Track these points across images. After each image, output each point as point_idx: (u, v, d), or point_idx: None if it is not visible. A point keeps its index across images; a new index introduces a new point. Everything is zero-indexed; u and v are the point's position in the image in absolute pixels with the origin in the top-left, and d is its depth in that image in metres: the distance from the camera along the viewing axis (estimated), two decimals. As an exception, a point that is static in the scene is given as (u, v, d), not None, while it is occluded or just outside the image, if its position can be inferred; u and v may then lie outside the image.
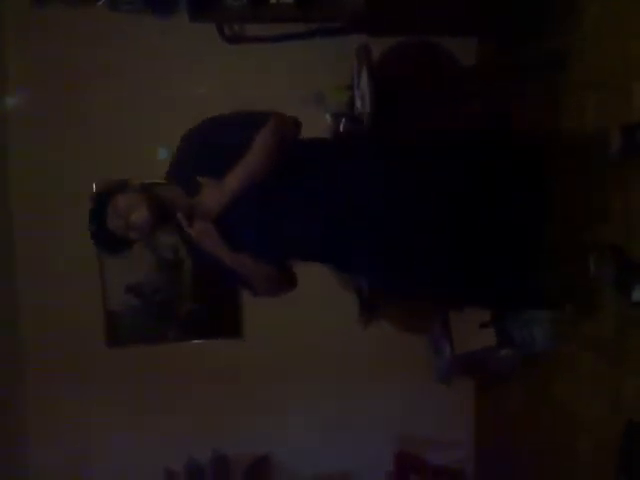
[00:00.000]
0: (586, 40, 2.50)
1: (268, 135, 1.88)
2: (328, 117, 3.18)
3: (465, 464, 3.73)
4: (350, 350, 3.56)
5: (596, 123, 2.42)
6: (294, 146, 1.98)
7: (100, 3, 2.56)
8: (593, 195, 2.41)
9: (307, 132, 3.29)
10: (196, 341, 3.65)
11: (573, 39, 2.58)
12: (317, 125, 3.20)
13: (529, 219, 2.02)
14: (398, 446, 3.68)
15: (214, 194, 1.86)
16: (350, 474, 3.75)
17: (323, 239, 1.96)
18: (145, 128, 3.41)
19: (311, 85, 3.19)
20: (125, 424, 3.54)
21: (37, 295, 3.45)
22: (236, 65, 3.33)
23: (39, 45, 3.31)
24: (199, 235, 1.89)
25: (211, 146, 1.92)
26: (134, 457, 3.55)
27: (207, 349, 3.62)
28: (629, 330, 2.24)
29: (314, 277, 3.27)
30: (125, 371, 3.54)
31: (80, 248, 3.42)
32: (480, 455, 3.77)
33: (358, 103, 2.91)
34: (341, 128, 3.08)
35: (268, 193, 1.91)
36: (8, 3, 3.25)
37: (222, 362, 3.58)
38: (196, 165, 1.91)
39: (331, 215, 1.92)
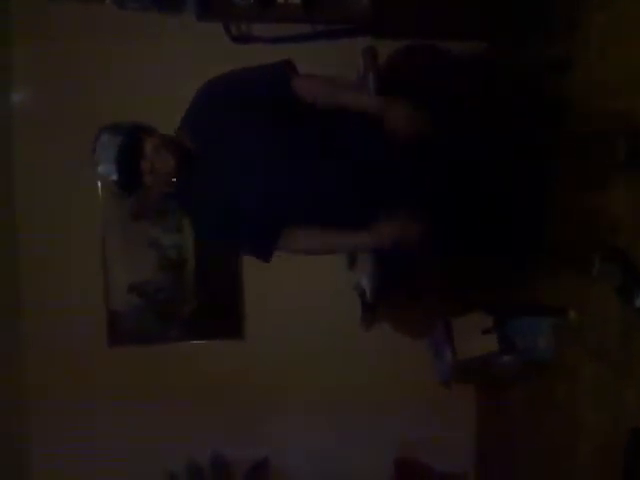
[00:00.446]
0: (590, 46, 2.50)
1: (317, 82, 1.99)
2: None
3: (467, 469, 3.71)
4: (351, 353, 3.55)
5: (602, 128, 2.41)
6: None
7: (107, 1, 2.56)
8: (598, 199, 2.40)
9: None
10: (198, 341, 3.65)
11: (578, 45, 2.58)
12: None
13: (531, 219, 2.01)
14: (399, 451, 3.67)
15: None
16: (351, 479, 3.73)
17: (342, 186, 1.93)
18: (153, 124, 3.42)
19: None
20: (125, 425, 3.53)
21: (39, 294, 3.46)
22: (243, 65, 3.32)
23: (44, 43, 3.33)
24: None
25: (226, 97, 1.93)
26: (134, 458, 3.54)
27: (208, 350, 3.62)
28: (633, 335, 2.23)
29: (316, 279, 3.29)
30: (126, 371, 3.54)
31: (83, 247, 3.47)
32: (482, 460, 3.75)
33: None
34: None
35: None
36: (14, 1, 3.27)
37: (223, 363, 3.58)
38: (211, 116, 1.92)
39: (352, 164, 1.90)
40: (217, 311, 3.68)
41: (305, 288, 3.44)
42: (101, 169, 1.85)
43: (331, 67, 3.22)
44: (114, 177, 1.83)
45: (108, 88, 3.41)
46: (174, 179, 1.88)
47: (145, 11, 2.56)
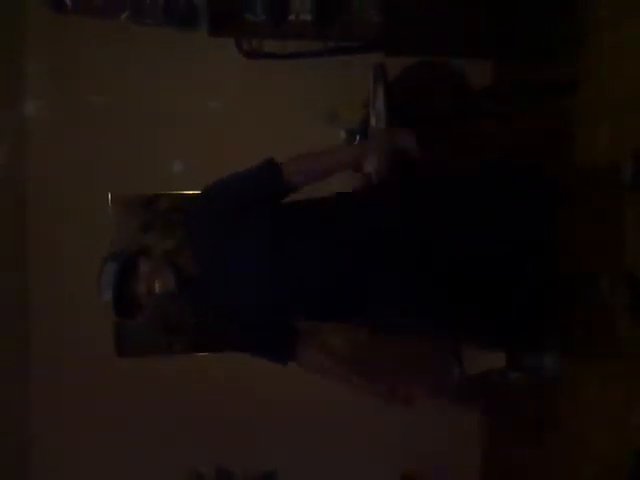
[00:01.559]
0: (601, 63, 2.51)
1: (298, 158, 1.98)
2: (343, 134, 3.21)
3: (471, 487, 3.70)
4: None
5: (610, 146, 2.43)
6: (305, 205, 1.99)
7: (123, 17, 2.60)
8: (605, 221, 2.41)
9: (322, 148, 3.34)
10: (204, 354, 3.65)
11: (588, 62, 2.60)
12: (331, 143, 3.24)
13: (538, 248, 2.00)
14: (403, 467, 3.65)
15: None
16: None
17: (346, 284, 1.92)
18: (162, 140, 3.45)
19: (327, 102, 3.22)
20: (129, 436, 3.53)
21: (47, 305, 3.46)
22: (253, 80, 3.36)
23: (58, 55, 3.36)
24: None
25: (221, 209, 1.92)
26: (136, 470, 3.53)
27: (214, 362, 3.62)
28: (637, 356, 2.23)
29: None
30: (131, 382, 3.53)
31: (92, 258, 3.47)
32: (487, 477, 3.73)
33: (373, 121, 2.93)
34: (355, 145, 3.11)
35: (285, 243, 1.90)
36: (29, 13, 3.31)
37: (228, 376, 3.57)
38: (211, 231, 1.92)
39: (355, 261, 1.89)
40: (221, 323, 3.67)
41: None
42: (103, 296, 1.90)
43: (341, 83, 3.28)
44: (112, 305, 1.88)
45: (121, 101, 3.44)
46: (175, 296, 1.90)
47: (159, 26, 2.60)
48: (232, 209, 1.90)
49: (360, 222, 1.92)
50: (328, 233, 1.90)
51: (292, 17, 2.71)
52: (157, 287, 1.85)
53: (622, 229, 2.31)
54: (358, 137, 3.07)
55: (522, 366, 2.83)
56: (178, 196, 3.52)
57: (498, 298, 1.97)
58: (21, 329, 3.45)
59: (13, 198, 3.45)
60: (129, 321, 2.00)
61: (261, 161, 1.99)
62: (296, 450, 3.63)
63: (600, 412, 2.49)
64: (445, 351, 3.00)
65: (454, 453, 3.66)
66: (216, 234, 1.91)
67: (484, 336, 2.19)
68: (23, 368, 3.46)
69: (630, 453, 2.20)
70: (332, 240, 1.88)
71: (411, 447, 3.68)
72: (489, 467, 3.71)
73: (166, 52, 3.33)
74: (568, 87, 2.66)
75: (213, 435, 3.56)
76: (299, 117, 3.43)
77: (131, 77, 3.43)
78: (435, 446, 3.65)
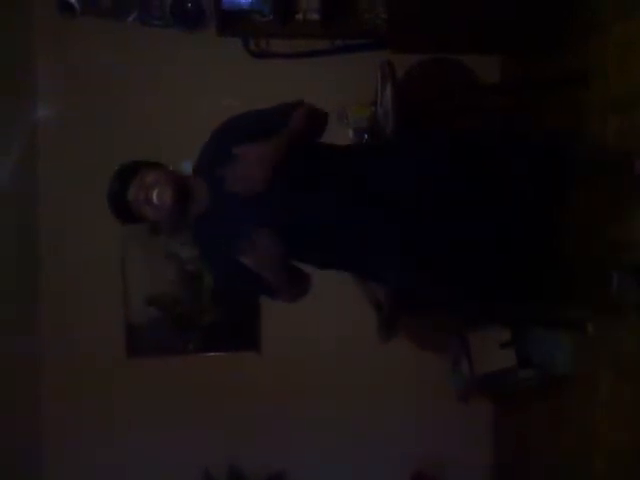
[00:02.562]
0: (609, 58, 2.50)
1: (309, 107, 1.90)
2: (351, 133, 3.20)
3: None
4: (367, 366, 3.54)
5: (618, 143, 2.41)
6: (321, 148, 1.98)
7: (131, 19, 2.62)
8: (615, 215, 2.39)
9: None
10: (215, 354, 3.66)
11: (596, 57, 2.58)
12: (339, 141, 3.24)
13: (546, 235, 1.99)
14: (415, 466, 3.64)
15: (259, 149, 1.78)
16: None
17: (347, 233, 1.89)
18: (171, 140, 3.47)
19: (335, 101, 3.21)
20: (142, 436, 3.54)
21: (59, 306, 3.49)
22: (261, 80, 3.37)
23: (67, 57, 3.39)
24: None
25: (236, 130, 1.92)
26: (150, 469, 3.55)
27: (225, 362, 3.63)
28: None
29: (331, 292, 3.30)
30: (144, 382, 3.55)
31: (103, 259, 3.51)
32: (498, 476, 3.71)
33: (381, 119, 2.92)
34: (363, 144, 3.10)
35: (296, 185, 1.85)
36: (37, 14, 3.34)
37: (240, 376, 3.58)
38: (217, 150, 1.91)
39: (360, 209, 1.86)
40: (234, 324, 3.69)
41: (322, 302, 3.44)
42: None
43: (349, 81, 3.28)
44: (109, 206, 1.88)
45: (131, 104, 3.46)
46: (175, 213, 1.86)
47: (167, 28, 2.61)
48: (249, 129, 1.88)
49: (377, 174, 1.89)
50: (343, 182, 1.87)
51: (299, 16, 2.71)
52: (155, 198, 1.82)
53: (634, 222, 2.29)
54: (366, 135, 3.06)
55: (532, 363, 2.81)
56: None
57: (514, 265, 1.94)
58: (31, 331, 3.48)
59: (23, 205, 3.48)
60: (126, 224, 1.95)
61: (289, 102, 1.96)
62: (307, 450, 3.64)
63: (612, 408, 2.48)
64: (454, 347, 2.99)
65: (466, 452, 3.65)
66: (223, 152, 1.87)
67: (499, 304, 2.14)
68: (35, 367, 3.50)
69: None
70: (347, 188, 1.86)
71: (422, 446, 3.68)
72: (501, 466, 3.70)
73: (174, 53, 3.35)
74: (579, 81, 2.64)
75: (225, 435, 3.57)
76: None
77: (143, 79, 3.45)
78: (446, 445, 3.64)
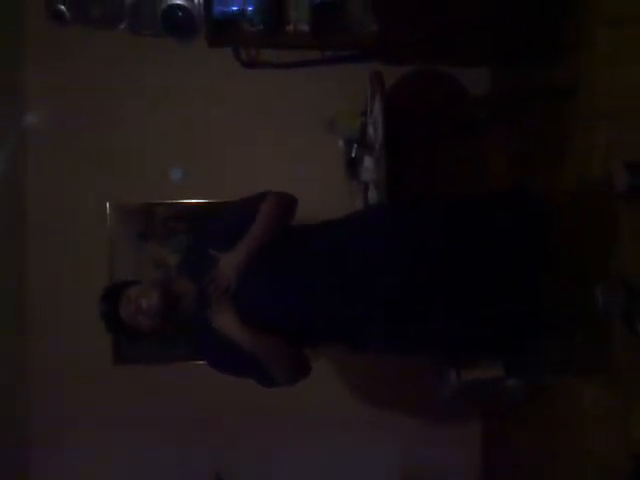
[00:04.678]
0: (596, 69, 2.53)
1: (272, 203, 2.05)
2: (341, 143, 3.22)
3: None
4: (354, 374, 3.55)
5: (603, 153, 2.44)
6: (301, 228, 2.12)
7: (121, 27, 2.61)
8: (599, 229, 2.43)
9: (320, 158, 3.37)
10: (202, 362, 3.64)
11: (582, 66, 2.62)
12: (330, 151, 3.26)
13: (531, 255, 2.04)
14: (403, 473, 3.65)
15: (228, 259, 1.97)
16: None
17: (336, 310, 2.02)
18: (162, 150, 3.48)
19: (325, 111, 3.24)
20: (127, 444, 3.53)
21: (44, 311, 3.47)
22: (252, 89, 3.38)
23: (58, 66, 3.38)
24: (219, 313, 1.99)
25: (215, 231, 2.11)
26: (135, 478, 3.53)
27: (211, 370, 3.61)
28: (637, 359, 2.24)
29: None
30: (129, 390, 3.54)
31: (91, 266, 3.49)
32: (485, 481, 3.74)
33: (370, 130, 2.95)
34: (353, 154, 3.13)
35: (278, 267, 2.02)
36: (27, 23, 3.33)
37: (226, 383, 3.57)
38: (203, 250, 2.04)
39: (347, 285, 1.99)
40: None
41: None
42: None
43: (340, 92, 3.30)
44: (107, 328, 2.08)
45: (119, 112, 3.46)
46: (166, 315, 2.01)
47: (157, 37, 2.62)
48: (226, 226, 2.09)
49: (357, 254, 2.01)
50: (323, 263, 2.00)
51: (289, 27, 2.72)
52: (144, 304, 1.97)
53: (616, 236, 2.33)
54: (356, 146, 3.08)
55: (520, 373, 2.83)
56: (178, 205, 3.54)
57: (496, 310, 2.01)
58: (19, 338, 3.46)
59: (12, 208, 3.46)
60: (137, 338, 2.21)
61: (256, 194, 2.12)
62: (293, 456, 3.64)
63: (600, 415, 2.50)
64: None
65: (453, 456, 3.67)
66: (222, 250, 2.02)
67: (483, 348, 2.22)
68: (21, 375, 3.47)
69: (630, 458, 2.21)
70: (327, 269, 1.99)
71: (410, 450, 3.69)
72: (489, 470, 3.72)
73: (166, 61, 3.36)
74: (566, 92, 2.68)
75: (210, 444, 3.56)
76: (298, 126, 3.46)
77: (130, 86, 3.45)
78: (434, 449, 3.66)
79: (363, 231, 2.05)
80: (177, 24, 2.60)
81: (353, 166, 3.12)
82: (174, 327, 2.10)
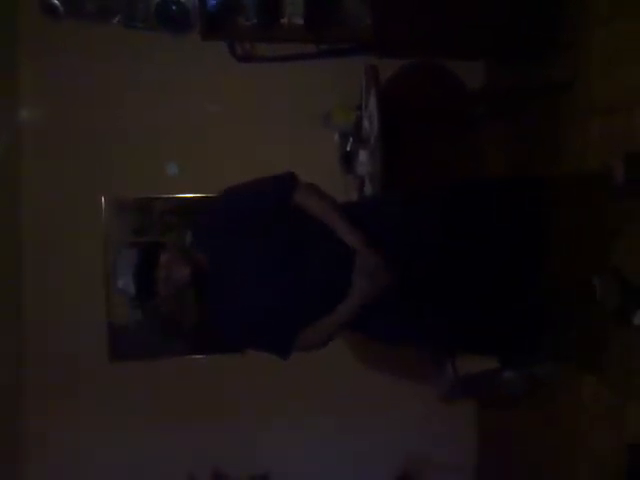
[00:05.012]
0: (593, 64, 2.53)
1: (315, 198, 2.01)
2: (336, 137, 3.22)
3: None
4: (352, 370, 3.55)
5: (599, 149, 2.44)
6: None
7: (115, 21, 2.60)
8: (596, 223, 2.42)
9: (316, 152, 3.36)
10: (198, 356, 3.65)
11: (579, 63, 2.61)
12: (325, 145, 3.25)
13: (527, 250, 2.04)
14: (400, 468, 3.66)
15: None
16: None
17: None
18: (158, 144, 3.46)
19: (320, 105, 3.24)
20: (125, 440, 3.52)
21: (40, 308, 3.46)
22: (248, 84, 3.37)
23: (52, 61, 3.37)
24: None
25: (239, 212, 2.02)
26: (133, 473, 3.53)
27: (209, 364, 3.62)
28: (632, 353, 2.24)
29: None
30: (127, 385, 3.53)
31: (86, 261, 3.48)
32: (482, 477, 3.74)
33: (366, 123, 2.94)
34: (348, 148, 3.12)
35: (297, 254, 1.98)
36: (22, 18, 3.31)
37: (224, 378, 3.58)
38: (227, 232, 2.00)
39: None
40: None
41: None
42: (120, 283, 1.97)
43: (335, 85, 3.29)
44: (132, 291, 1.95)
45: (114, 106, 3.44)
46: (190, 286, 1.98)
47: (151, 31, 2.61)
48: (250, 210, 2.00)
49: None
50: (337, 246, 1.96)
51: (284, 20, 2.72)
52: (175, 275, 1.93)
53: (614, 231, 2.32)
54: (351, 139, 3.08)
55: (516, 366, 2.84)
56: (174, 199, 3.53)
57: (494, 306, 2.02)
58: (15, 333, 3.45)
59: (7, 204, 3.45)
60: (144, 304, 2.16)
61: (283, 173, 2.07)
62: (291, 451, 3.64)
63: (595, 409, 2.51)
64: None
65: (450, 453, 3.67)
66: (232, 233, 2.00)
67: (481, 344, 2.22)
68: (17, 370, 3.47)
69: (626, 448, 2.21)
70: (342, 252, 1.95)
71: (407, 448, 3.70)
72: (486, 466, 3.72)
73: (162, 56, 3.33)
74: (563, 87, 2.67)
75: (209, 439, 3.57)
76: (292, 120, 3.45)
77: (127, 81, 3.43)
78: (431, 446, 3.67)
79: (357, 223, 2.04)
80: (171, 18, 2.60)
81: (348, 160, 3.12)
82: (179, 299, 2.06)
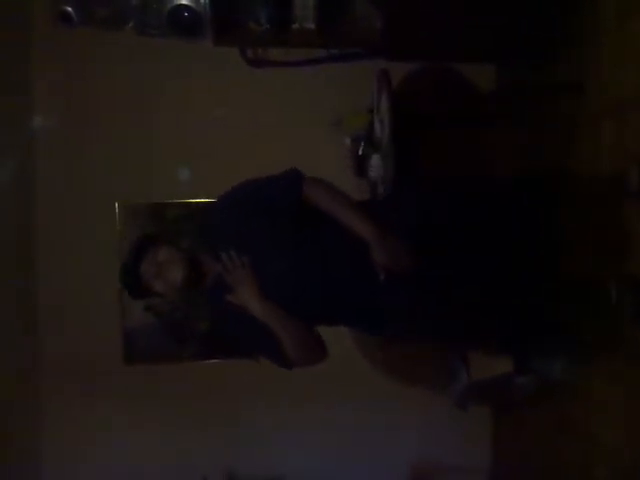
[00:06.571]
0: (604, 65, 2.51)
1: (322, 187, 1.97)
2: (347, 141, 3.22)
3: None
4: (366, 370, 3.54)
5: (613, 151, 2.43)
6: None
7: (128, 28, 2.62)
8: (611, 227, 2.41)
9: (327, 155, 3.36)
10: (212, 360, 3.66)
11: (592, 64, 2.60)
12: (337, 150, 3.25)
13: (544, 252, 2.03)
14: (414, 471, 3.65)
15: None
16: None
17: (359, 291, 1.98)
18: (172, 149, 3.48)
19: (332, 109, 3.24)
20: (140, 443, 3.54)
21: (56, 311, 3.49)
22: (258, 88, 3.38)
23: (66, 67, 3.40)
24: (236, 281, 1.92)
25: (251, 205, 1.98)
26: (148, 476, 3.55)
27: (223, 369, 3.63)
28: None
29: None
30: (141, 389, 3.55)
31: (100, 265, 3.50)
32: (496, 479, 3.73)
33: (377, 127, 2.94)
34: (360, 152, 3.12)
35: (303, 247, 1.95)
36: (35, 25, 3.34)
37: (237, 382, 3.58)
38: (239, 226, 1.97)
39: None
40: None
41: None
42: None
43: (346, 89, 3.29)
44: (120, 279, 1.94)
45: (128, 112, 3.47)
46: (185, 289, 1.94)
47: (164, 37, 2.62)
48: (257, 208, 1.96)
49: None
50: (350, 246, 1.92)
51: (295, 25, 2.72)
52: (169, 276, 1.90)
53: (628, 235, 2.31)
54: (363, 143, 3.08)
55: (530, 370, 2.82)
56: (185, 205, 3.55)
57: (507, 303, 2.00)
58: (32, 335, 3.48)
59: (22, 209, 3.48)
60: (135, 297, 2.02)
61: (288, 170, 2.03)
62: (306, 454, 3.64)
63: (610, 413, 2.49)
64: (451, 355, 3.00)
65: (464, 453, 3.67)
66: (240, 230, 1.96)
67: (492, 341, 2.20)
68: (33, 373, 3.50)
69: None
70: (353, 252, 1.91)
71: (421, 450, 3.69)
72: (499, 468, 3.70)
73: (172, 62, 3.36)
74: (573, 88, 2.66)
75: (223, 442, 3.58)
76: (304, 124, 3.46)
77: (136, 87, 3.46)
78: (445, 449, 3.66)
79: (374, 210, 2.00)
80: (183, 24, 2.60)
81: (361, 164, 3.12)
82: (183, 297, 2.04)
